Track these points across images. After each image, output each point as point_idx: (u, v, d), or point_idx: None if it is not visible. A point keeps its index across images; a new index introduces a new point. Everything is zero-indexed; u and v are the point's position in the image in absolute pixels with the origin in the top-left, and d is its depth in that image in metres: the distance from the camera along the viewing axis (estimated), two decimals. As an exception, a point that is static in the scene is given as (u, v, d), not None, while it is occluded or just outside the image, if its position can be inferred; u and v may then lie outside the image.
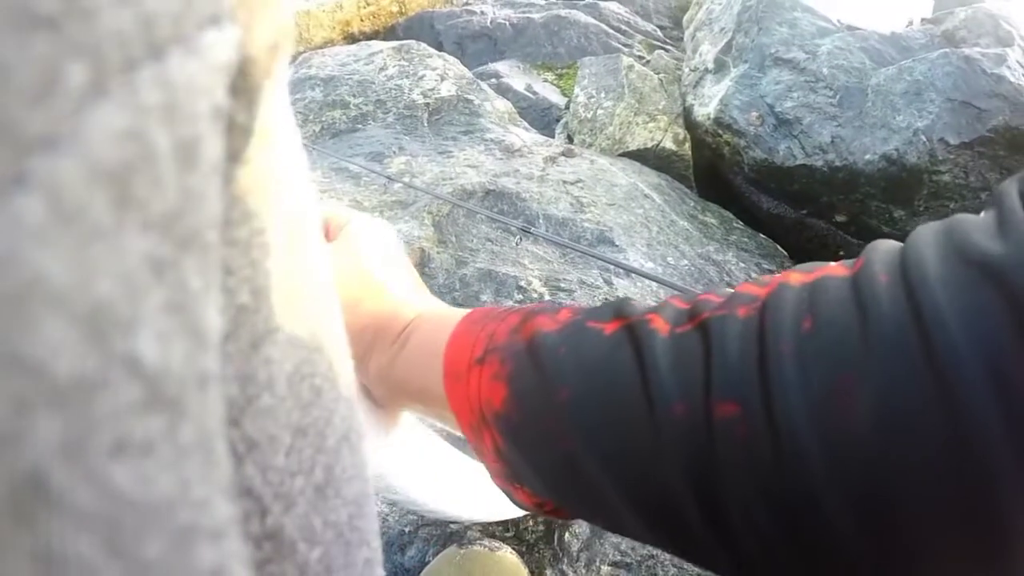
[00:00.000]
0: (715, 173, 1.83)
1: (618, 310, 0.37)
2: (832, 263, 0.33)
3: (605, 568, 0.94)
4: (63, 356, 0.09)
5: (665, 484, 0.32)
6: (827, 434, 0.28)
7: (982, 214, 0.29)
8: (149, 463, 0.10)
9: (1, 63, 0.09)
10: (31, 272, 0.09)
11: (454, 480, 0.58)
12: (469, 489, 0.59)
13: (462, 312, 0.44)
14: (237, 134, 0.13)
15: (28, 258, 0.09)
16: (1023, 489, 0.25)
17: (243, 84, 0.13)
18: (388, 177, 1.37)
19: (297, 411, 0.17)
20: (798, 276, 0.33)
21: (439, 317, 0.45)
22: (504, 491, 0.43)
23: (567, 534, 0.94)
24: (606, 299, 1.17)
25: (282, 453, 0.16)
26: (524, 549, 0.92)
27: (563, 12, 2.60)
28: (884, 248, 0.31)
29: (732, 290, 0.35)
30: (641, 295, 1.28)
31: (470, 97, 1.74)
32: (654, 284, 1.27)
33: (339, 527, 0.20)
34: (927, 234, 0.30)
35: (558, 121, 2.04)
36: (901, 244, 0.31)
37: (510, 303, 1.18)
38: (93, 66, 0.09)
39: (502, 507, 0.64)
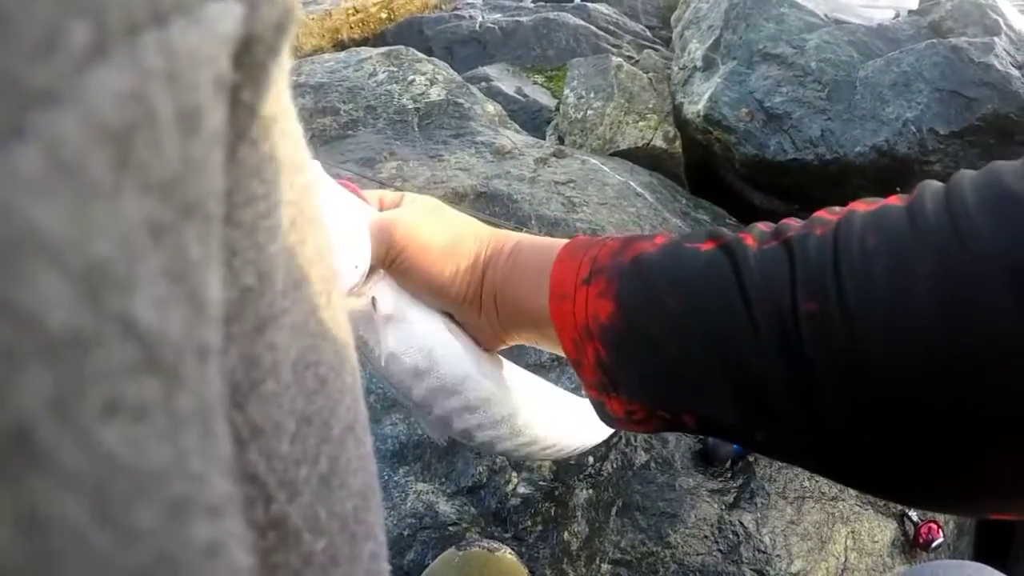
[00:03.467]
0: (707, 170, 1.83)
1: (711, 233, 0.45)
2: (892, 196, 0.40)
3: (605, 566, 0.93)
4: (56, 309, 0.09)
5: (763, 368, 0.39)
6: (890, 317, 0.35)
7: (1018, 161, 0.37)
8: (142, 428, 0.10)
9: (5, 17, 0.09)
10: (26, 222, 0.09)
11: (560, 407, 0.62)
12: (570, 414, 0.62)
13: (559, 240, 0.50)
14: (242, 112, 0.13)
15: (24, 208, 0.09)
16: (1015, 337, 0.32)
17: (248, 61, 0.13)
18: (380, 182, 1.37)
19: (302, 399, 0.17)
20: (864, 206, 0.40)
21: (538, 243, 0.52)
22: (596, 403, 0.49)
23: (566, 533, 0.94)
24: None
25: (286, 440, 0.16)
26: (523, 549, 0.91)
27: (552, 15, 2.61)
28: (932, 186, 0.39)
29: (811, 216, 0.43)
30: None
31: (460, 101, 1.74)
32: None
33: (344, 518, 0.19)
34: (967, 175, 0.38)
35: (548, 123, 2.04)
36: (944, 184, 0.39)
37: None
38: (96, 27, 0.09)
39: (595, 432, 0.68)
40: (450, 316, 0.53)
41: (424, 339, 0.50)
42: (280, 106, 0.15)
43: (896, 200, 0.39)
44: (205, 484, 0.11)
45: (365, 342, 0.50)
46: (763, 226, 0.44)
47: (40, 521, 0.09)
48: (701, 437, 1.05)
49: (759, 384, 0.39)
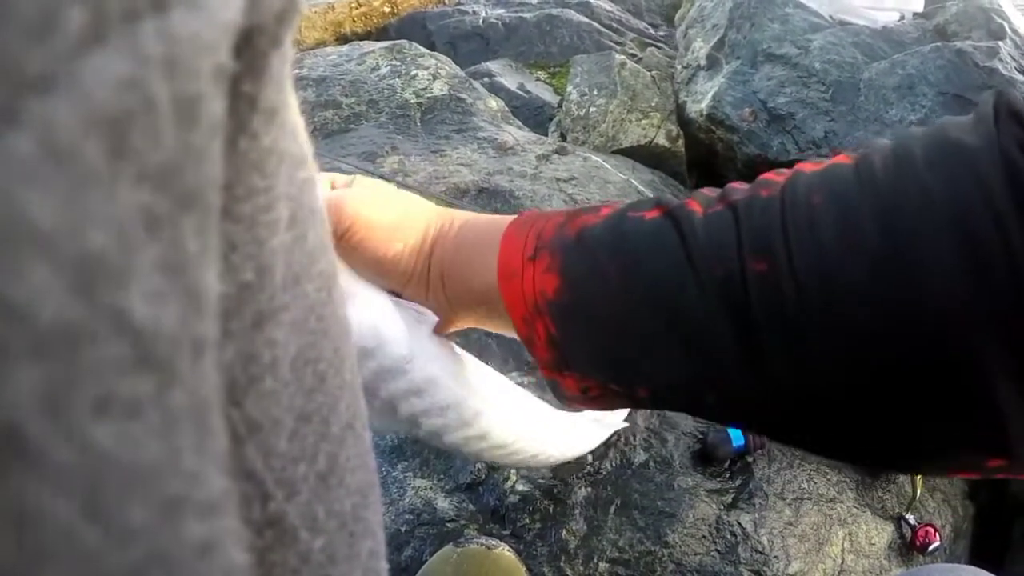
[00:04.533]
0: (709, 169, 1.83)
1: (656, 201, 0.44)
2: (840, 155, 0.39)
3: (603, 564, 0.93)
4: (47, 302, 0.09)
5: (712, 331, 0.39)
6: (837, 271, 0.35)
7: (966, 116, 0.37)
8: (135, 425, 0.10)
9: (1, 1, 0.08)
10: (18, 211, 0.08)
11: (523, 410, 0.61)
12: (533, 418, 0.61)
13: (506, 217, 0.49)
14: (244, 103, 0.13)
15: (16, 196, 0.08)
16: (961, 294, 0.33)
17: (249, 51, 0.13)
18: (381, 177, 1.37)
19: (300, 396, 0.16)
20: (811, 166, 0.40)
21: (485, 220, 0.51)
22: (551, 383, 0.48)
23: (564, 531, 0.94)
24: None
25: (284, 438, 0.16)
26: (521, 547, 0.91)
27: (555, 11, 2.60)
28: (882, 143, 0.39)
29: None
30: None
31: (462, 96, 1.73)
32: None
33: (343, 517, 0.19)
34: (917, 132, 0.38)
35: (551, 119, 2.03)
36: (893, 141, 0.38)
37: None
38: (93, 13, 0.09)
39: (567, 442, 0.66)
40: (398, 295, 0.52)
41: (370, 317, 0.49)
42: (281, 99, 0.15)
43: (844, 158, 0.39)
44: (200, 482, 0.11)
45: None
46: (709, 191, 0.43)
47: (29, 519, 0.09)
48: (701, 437, 1.05)
49: (708, 348, 0.39)
